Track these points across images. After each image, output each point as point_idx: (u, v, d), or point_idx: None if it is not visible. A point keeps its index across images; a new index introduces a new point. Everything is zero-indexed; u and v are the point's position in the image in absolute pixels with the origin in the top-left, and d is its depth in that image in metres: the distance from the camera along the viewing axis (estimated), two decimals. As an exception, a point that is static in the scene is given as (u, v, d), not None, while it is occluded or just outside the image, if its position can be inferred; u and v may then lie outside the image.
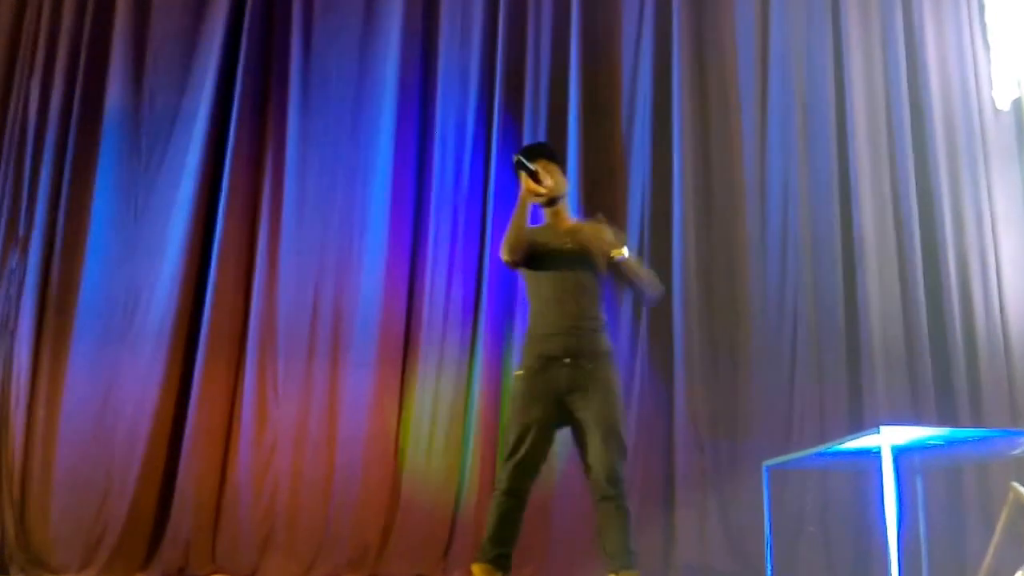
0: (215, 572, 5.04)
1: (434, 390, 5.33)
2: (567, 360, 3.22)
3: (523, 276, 3.44)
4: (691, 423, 5.20)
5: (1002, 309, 5.35)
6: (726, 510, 5.11)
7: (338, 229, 5.62)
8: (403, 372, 5.40)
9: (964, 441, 3.94)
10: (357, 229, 5.58)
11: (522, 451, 3.18)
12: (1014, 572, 3.46)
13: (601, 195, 5.63)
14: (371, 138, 5.68)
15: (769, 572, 4.50)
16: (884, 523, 3.41)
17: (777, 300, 5.46)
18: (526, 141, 5.56)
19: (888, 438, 3.46)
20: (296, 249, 5.60)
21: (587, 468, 3.21)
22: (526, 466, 3.19)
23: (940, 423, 4.93)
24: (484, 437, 5.27)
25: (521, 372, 3.30)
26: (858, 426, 4.99)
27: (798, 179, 5.57)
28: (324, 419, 5.31)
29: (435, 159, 5.64)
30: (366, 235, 5.53)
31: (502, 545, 3.18)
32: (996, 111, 5.63)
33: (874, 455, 3.57)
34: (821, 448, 4.06)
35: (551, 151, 3.58)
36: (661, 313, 5.39)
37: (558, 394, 3.22)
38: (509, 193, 5.49)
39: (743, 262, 5.55)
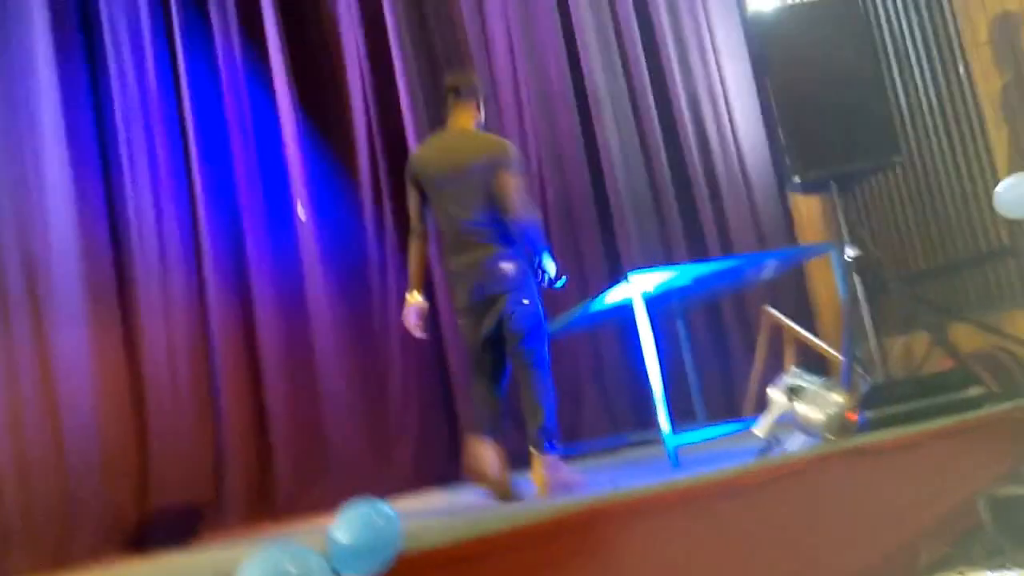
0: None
1: (166, 334, 5.00)
2: None
3: None
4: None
5: (735, 137, 5.75)
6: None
7: (6, 173, 5.01)
8: (124, 319, 4.99)
9: (713, 275, 4.25)
10: (30, 165, 4.90)
11: None
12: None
13: (317, 83, 5.46)
14: (27, 63, 5.01)
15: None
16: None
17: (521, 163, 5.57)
18: (217, 39, 5.24)
19: (638, 286, 3.67)
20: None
21: None
22: None
23: (692, 261, 5.26)
24: (233, 376, 5.08)
25: None
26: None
27: (522, 38, 5.66)
28: (40, 387, 4.77)
29: (110, 66, 5.08)
30: (43, 170, 4.88)
31: None
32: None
33: (631, 306, 3.76)
34: (579, 309, 4.25)
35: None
36: (404, 198, 5.32)
37: None
38: (205, 93, 5.18)
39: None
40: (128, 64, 5.13)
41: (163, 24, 5.21)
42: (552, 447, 3.34)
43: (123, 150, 5.06)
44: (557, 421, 3.43)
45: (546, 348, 3.49)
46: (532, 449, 3.35)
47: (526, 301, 3.44)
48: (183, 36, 5.18)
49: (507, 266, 3.46)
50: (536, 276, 3.53)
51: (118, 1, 5.14)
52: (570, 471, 3.42)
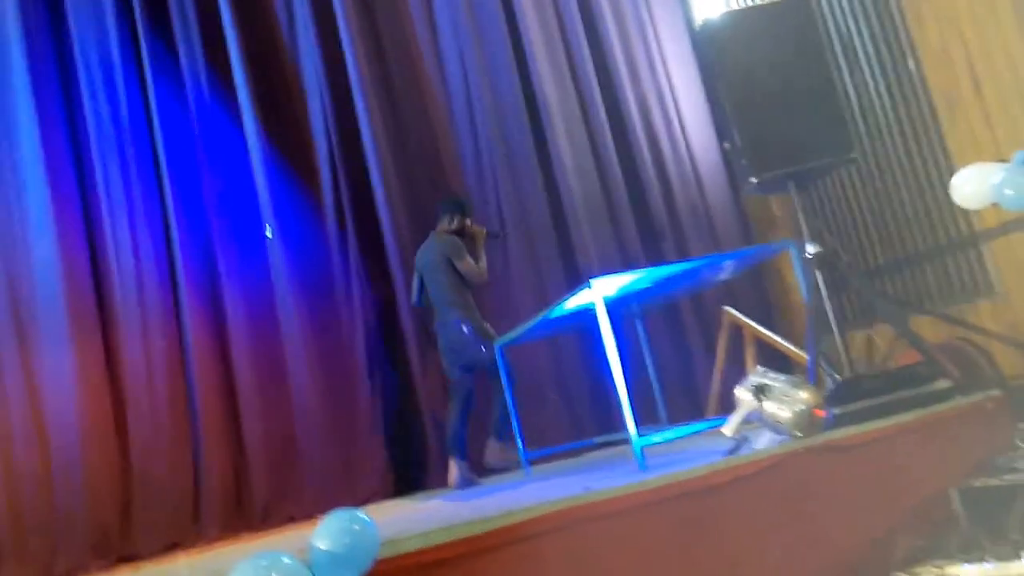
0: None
1: (145, 354, 4.94)
2: None
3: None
4: (415, 322, 5.15)
5: (687, 142, 5.65)
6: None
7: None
8: (105, 341, 4.94)
9: (671, 278, 4.12)
10: (13, 195, 4.91)
11: None
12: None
13: (280, 109, 5.34)
14: (6, 102, 4.97)
15: (520, 445, 4.60)
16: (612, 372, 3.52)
17: (476, 175, 5.47)
18: (185, 69, 5.19)
19: (599, 291, 3.53)
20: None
21: None
22: None
23: (649, 265, 5.15)
24: (210, 394, 5.00)
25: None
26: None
27: (474, 54, 5.52)
28: (27, 408, 4.79)
29: (85, 103, 5.06)
30: (25, 199, 4.87)
31: None
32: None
33: (593, 311, 3.64)
34: (541, 316, 4.11)
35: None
36: (367, 218, 5.27)
37: None
38: (176, 124, 5.15)
39: (437, 146, 5.47)
40: (102, 99, 5.12)
41: (134, 62, 5.19)
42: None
43: (99, 178, 5.03)
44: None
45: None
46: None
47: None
48: (153, 71, 5.17)
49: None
50: None
51: (92, 45, 5.13)
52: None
